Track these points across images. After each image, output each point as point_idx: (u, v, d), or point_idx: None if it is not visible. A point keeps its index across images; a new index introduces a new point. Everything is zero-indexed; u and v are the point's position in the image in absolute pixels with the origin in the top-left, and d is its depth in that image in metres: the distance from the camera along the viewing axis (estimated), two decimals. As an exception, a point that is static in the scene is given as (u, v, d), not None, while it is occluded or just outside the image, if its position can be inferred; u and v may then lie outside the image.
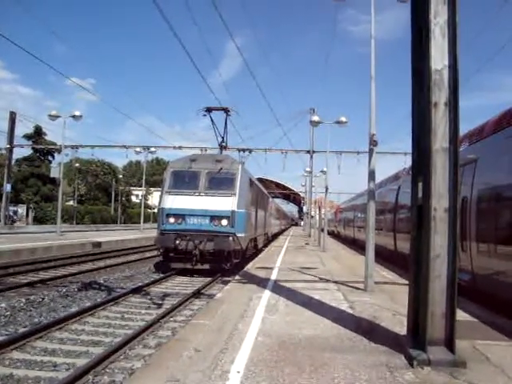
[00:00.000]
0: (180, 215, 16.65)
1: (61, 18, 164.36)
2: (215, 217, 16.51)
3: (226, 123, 20.37)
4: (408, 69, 6.13)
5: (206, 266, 16.30)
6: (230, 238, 16.27)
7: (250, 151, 25.88)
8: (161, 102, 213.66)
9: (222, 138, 20.69)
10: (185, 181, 17.40)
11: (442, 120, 5.40)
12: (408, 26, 6.15)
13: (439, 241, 5.33)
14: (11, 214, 52.87)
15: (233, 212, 16.47)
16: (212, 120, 19.61)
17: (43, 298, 11.12)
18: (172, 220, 16.66)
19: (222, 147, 20.92)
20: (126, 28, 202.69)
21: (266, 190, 33.82)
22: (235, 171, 17.35)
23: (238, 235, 16.69)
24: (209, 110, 19.18)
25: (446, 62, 5.46)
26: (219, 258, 16.27)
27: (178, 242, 16.04)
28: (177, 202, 16.68)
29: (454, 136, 5.39)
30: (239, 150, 25.42)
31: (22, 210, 62.46)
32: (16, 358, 6.74)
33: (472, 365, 5.23)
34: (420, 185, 5.69)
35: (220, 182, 17.15)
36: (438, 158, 5.38)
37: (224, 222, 16.45)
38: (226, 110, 19.78)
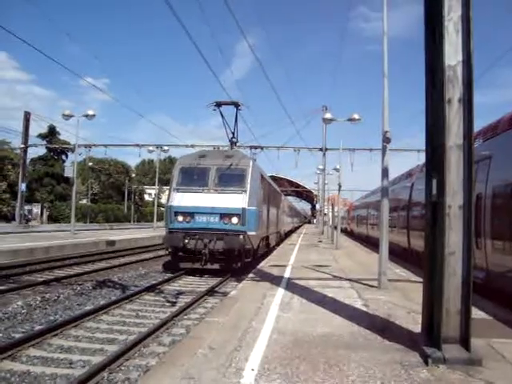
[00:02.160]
0: (188, 213, 16.12)
1: (75, 19, 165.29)
2: (225, 214, 15.96)
3: (236, 118, 19.58)
4: (421, 65, 6.10)
5: (216, 266, 15.83)
6: (241, 237, 15.74)
7: (262, 148, 25.43)
8: (174, 101, 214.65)
9: (233, 133, 19.94)
10: (193, 177, 16.87)
11: (455, 116, 5.36)
12: (421, 22, 6.12)
13: (454, 238, 5.29)
14: (26, 213, 53.35)
15: (243, 209, 15.89)
16: (222, 115, 18.99)
17: (58, 296, 11.22)
18: (180, 218, 16.17)
19: (233, 143, 20.20)
20: (139, 28, 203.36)
21: (279, 188, 33.57)
22: (246, 167, 16.77)
23: (249, 233, 16.13)
24: (219, 104, 18.53)
25: (460, 58, 5.41)
26: (229, 258, 15.80)
27: (186, 240, 15.58)
28: (185, 199, 16.21)
29: (468, 132, 5.35)
30: (251, 148, 24.96)
31: (36, 208, 63.08)
32: (33, 355, 6.81)
33: (488, 363, 5.18)
34: (434, 182, 5.65)
35: (230, 179, 16.62)
36: (452, 155, 5.34)
37: (234, 219, 15.90)
38: (236, 105, 19.10)
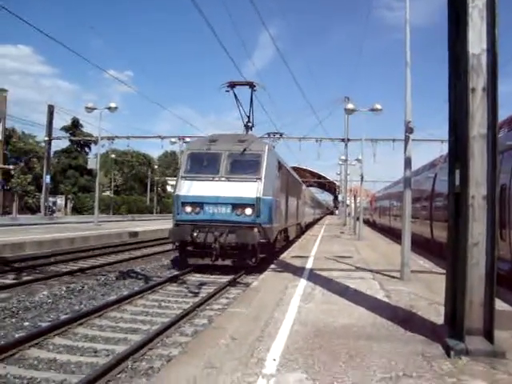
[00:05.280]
0: (197, 203, 14.49)
1: (98, 12, 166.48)
2: (238, 205, 14.27)
3: (251, 100, 17.76)
4: (444, 54, 6.02)
5: (228, 262, 14.24)
6: (255, 230, 14.07)
7: (281, 135, 24.46)
8: (196, 93, 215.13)
9: (248, 117, 18.07)
10: (203, 164, 15.17)
11: (479, 106, 5.29)
12: (444, 11, 6.03)
13: (477, 229, 5.23)
14: (51, 204, 54.17)
15: (258, 199, 14.19)
16: (236, 96, 17.09)
17: (83, 287, 11.39)
18: (188, 209, 14.56)
19: (248, 127, 18.26)
20: (162, 20, 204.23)
21: (301, 179, 32.95)
22: (261, 152, 15.04)
23: (265, 226, 14.41)
24: (232, 85, 16.71)
25: (485, 46, 5.32)
26: (242, 253, 14.16)
27: (195, 234, 13.96)
28: (194, 188, 14.62)
29: (492, 122, 5.27)
30: (269, 134, 23.96)
31: (60, 200, 63.91)
32: (59, 344, 6.94)
33: (512, 355, 5.13)
34: (457, 172, 5.60)
35: (243, 165, 14.99)
36: (476, 145, 5.27)
37: (248, 210, 14.21)
38: (251, 85, 17.28)
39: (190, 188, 14.68)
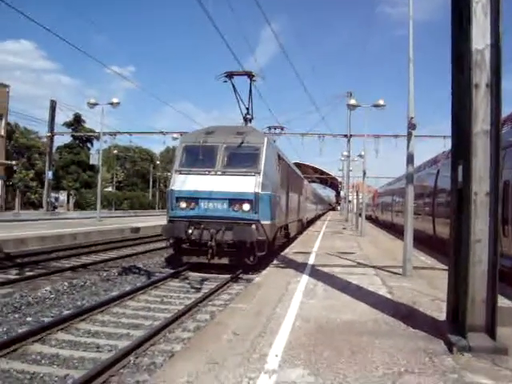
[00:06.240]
0: (193, 198, 13.79)
1: (100, 7, 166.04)
2: (235, 200, 13.56)
3: (250, 90, 16.95)
4: (447, 49, 5.99)
5: (225, 261, 13.60)
6: (253, 227, 13.34)
7: (282, 129, 23.77)
8: (198, 89, 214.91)
9: (247, 109, 17.25)
10: (199, 157, 14.26)
11: (482, 102, 5.27)
12: (447, 6, 6.00)
13: (480, 225, 5.23)
14: (53, 200, 54.31)
15: (256, 194, 13.45)
16: (234, 87, 16.28)
17: (85, 282, 11.42)
18: (183, 205, 13.90)
19: (247, 120, 17.45)
20: (163, 15, 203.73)
21: (303, 175, 32.68)
22: (259, 145, 14.28)
23: (263, 222, 13.68)
24: (230, 75, 15.91)
25: (488, 42, 5.30)
26: (240, 251, 13.46)
27: (190, 231, 13.29)
28: (189, 182, 13.92)
29: (495, 118, 5.25)
30: (270, 128, 23.24)
31: (63, 196, 64.14)
32: (61, 339, 6.98)
33: (514, 352, 5.13)
34: (460, 168, 5.58)
35: (241, 159, 14.22)
36: (479, 141, 5.25)
37: (246, 206, 13.50)
38: (249, 75, 16.42)
39: (184, 182, 14.03)
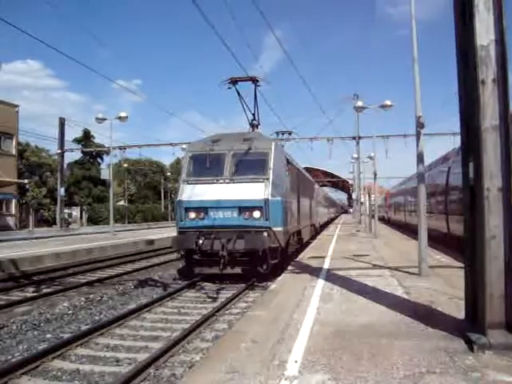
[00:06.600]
0: (202, 208, 13.56)
1: (102, 22, 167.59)
2: (245, 208, 13.30)
3: (255, 96, 16.62)
4: (452, 47, 5.99)
5: (238, 270, 13.32)
6: (265, 234, 13.05)
7: (290, 133, 23.61)
8: (204, 98, 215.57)
9: (253, 114, 16.92)
10: (206, 166, 13.98)
11: (490, 97, 5.25)
12: (450, 3, 6.00)
13: (494, 221, 5.19)
14: (66, 216, 54.66)
15: (266, 201, 13.15)
16: (239, 93, 16.03)
17: (102, 297, 11.48)
18: (192, 215, 13.67)
19: (254, 126, 17.14)
20: (167, 26, 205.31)
21: (314, 179, 32.48)
22: (267, 150, 13.97)
23: (275, 229, 13.36)
24: (234, 81, 15.64)
25: (493, 37, 5.29)
26: (252, 260, 13.17)
27: (200, 241, 12.93)
28: (197, 192, 13.70)
29: (504, 113, 5.24)
30: (278, 133, 23.01)
31: (76, 212, 64.52)
32: (81, 354, 7.01)
33: (536, 348, 5.08)
34: (471, 165, 5.56)
35: (249, 165, 13.90)
36: (489, 137, 5.23)
37: (256, 213, 13.23)
38: (253, 80, 16.15)
39: (192, 192, 13.82)
